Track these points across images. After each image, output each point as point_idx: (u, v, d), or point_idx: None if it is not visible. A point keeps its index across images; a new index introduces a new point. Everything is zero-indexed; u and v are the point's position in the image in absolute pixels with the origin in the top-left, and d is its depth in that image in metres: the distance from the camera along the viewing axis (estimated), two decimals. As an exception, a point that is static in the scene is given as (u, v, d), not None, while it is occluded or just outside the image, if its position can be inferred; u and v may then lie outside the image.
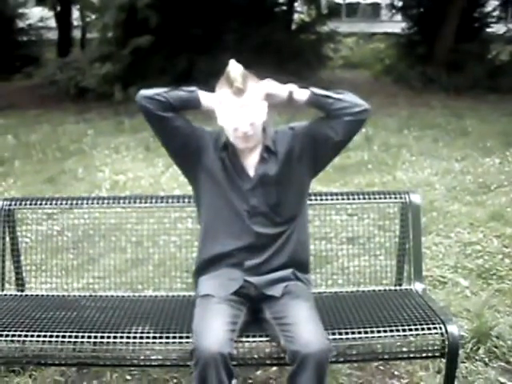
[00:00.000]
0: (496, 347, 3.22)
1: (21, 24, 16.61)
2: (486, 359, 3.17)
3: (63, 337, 2.53)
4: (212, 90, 2.49)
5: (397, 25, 15.40)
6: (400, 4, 15.45)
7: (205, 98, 2.51)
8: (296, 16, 14.46)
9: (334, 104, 2.47)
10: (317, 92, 2.49)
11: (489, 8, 14.62)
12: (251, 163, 2.54)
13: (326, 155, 2.57)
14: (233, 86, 2.36)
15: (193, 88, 2.53)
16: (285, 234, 2.55)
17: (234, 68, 2.40)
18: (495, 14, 14.85)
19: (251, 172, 2.53)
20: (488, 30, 14.42)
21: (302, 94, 2.51)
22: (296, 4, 14.30)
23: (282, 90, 2.51)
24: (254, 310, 2.51)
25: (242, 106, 2.38)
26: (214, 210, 2.58)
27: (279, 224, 2.55)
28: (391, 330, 2.52)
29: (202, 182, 2.58)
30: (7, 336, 2.56)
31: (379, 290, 3.03)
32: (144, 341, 2.52)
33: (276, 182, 2.53)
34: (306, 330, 2.29)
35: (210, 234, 2.61)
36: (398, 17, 15.77)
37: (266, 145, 2.53)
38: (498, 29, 14.46)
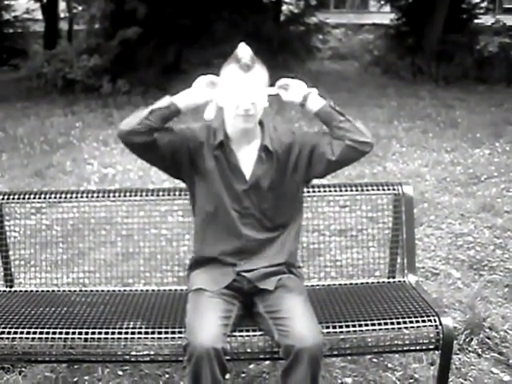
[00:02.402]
0: (489, 338, 3.23)
1: (7, 16, 16.43)
2: (479, 350, 3.17)
3: (53, 333, 2.50)
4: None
5: (385, 16, 15.38)
6: (388, -5, 15.44)
7: (181, 102, 2.43)
8: (285, 7, 14.40)
9: (343, 123, 2.45)
10: (333, 105, 2.48)
11: (477, -1, 14.66)
12: (247, 163, 2.48)
13: (318, 170, 2.51)
14: (240, 62, 2.33)
15: (166, 100, 2.42)
16: (275, 241, 2.52)
17: (244, 48, 2.38)
18: (483, 5, 14.88)
19: (247, 172, 2.48)
20: (476, 21, 14.43)
21: (317, 101, 2.48)
22: (284, -5, 14.25)
23: (302, 88, 2.48)
24: (247, 304, 2.48)
25: (247, 82, 2.33)
26: (205, 211, 2.53)
27: (269, 229, 2.51)
28: (385, 323, 2.51)
29: (197, 183, 2.52)
30: (-4, 333, 2.52)
31: (372, 283, 3.01)
32: (136, 336, 2.48)
33: (270, 188, 2.49)
34: (300, 324, 2.27)
35: (200, 235, 2.59)
36: (387, 8, 15.77)
37: (264, 144, 2.48)
38: (486, 20, 14.46)
